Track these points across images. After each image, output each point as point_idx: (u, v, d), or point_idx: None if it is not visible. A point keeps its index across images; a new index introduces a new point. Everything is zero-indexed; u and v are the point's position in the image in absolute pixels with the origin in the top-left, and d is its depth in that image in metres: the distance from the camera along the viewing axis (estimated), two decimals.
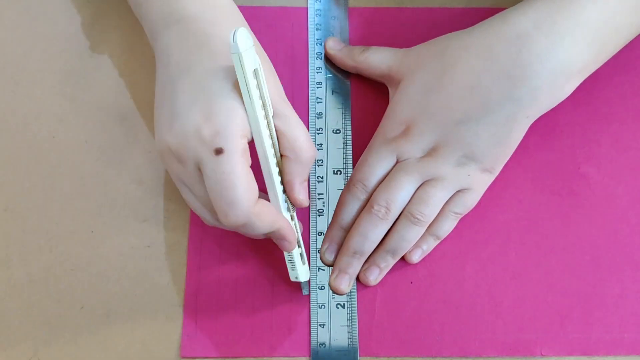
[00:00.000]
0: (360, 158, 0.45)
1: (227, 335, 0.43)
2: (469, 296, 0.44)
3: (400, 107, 0.45)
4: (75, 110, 0.49)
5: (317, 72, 0.49)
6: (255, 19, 0.51)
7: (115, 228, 0.46)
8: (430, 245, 0.45)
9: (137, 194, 0.47)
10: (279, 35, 0.50)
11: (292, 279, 0.42)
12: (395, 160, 0.44)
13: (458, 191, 0.44)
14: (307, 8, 0.51)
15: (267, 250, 0.45)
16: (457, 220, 0.45)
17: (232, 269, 0.45)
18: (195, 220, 0.46)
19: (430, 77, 0.44)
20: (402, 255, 0.44)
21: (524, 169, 0.47)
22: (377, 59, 0.47)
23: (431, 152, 0.43)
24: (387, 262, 0.44)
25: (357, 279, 0.44)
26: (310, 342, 0.43)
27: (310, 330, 0.43)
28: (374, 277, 0.44)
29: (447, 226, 0.44)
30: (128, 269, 0.45)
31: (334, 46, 0.49)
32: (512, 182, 0.47)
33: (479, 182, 0.44)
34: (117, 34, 0.51)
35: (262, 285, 0.44)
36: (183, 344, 0.43)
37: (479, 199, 0.45)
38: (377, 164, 0.44)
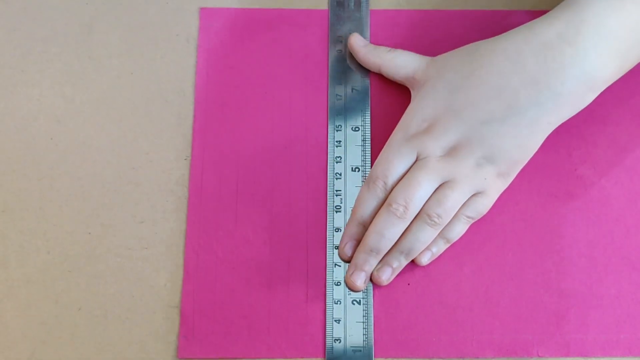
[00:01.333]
0: (380, 154, 0.45)
1: (224, 336, 0.43)
2: (466, 297, 0.44)
3: (425, 104, 0.45)
4: (74, 112, 0.49)
5: (337, 70, 0.50)
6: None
7: (113, 229, 0.46)
8: (440, 248, 0.45)
9: (135, 196, 0.47)
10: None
11: None
12: (415, 157, 0.44)
13: (473, 195, 0.44)
14: (328, 10, 0.51)
15: (264, 252, 0.45)
16: (468, 225, 0.45)
17: (229, 270, 0.45)
18: (192, 222, 0.46)
19: (457, 77, 0.44)
20: (415, 257, 0.44)
21: (521, 171, 0.47)
22: (403, 61, 0.47)
23: (451, 152, 0.44)
24: (400, 262, 0.44)
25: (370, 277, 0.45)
26: (304, 342, 0.43)
27: (303, 330, 0.44)
28: (386, 276, 0.44)
29: (458, 229, 0.44)
30: (125, 270, 0.45)
31: (359, 42, 0.49)
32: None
33: (493, 187, 0.44)
34: (116, 35, 0.51)
35: (260, 287, 0.45)
36: (180, 345, 0.43)
37: (491, 204, 0.45)
38: (397, 161, 0.44)
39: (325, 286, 0.45)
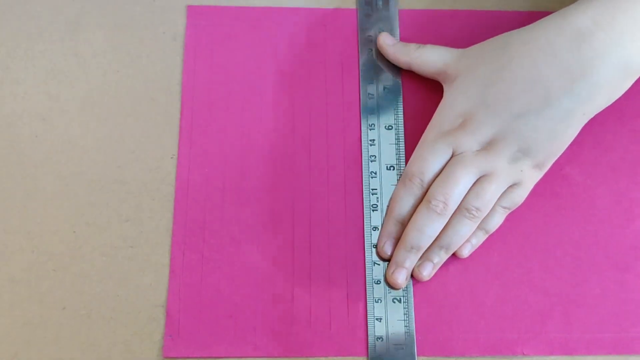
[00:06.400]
0: (415, 152, 0.45)
1: (210, 336, 0.43)
2: (452, 296, 0.44)
3: (458, 99, 0.45)
4: (59, 110, 0.49)
5: (368, 69, 0.50)
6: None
7: (98, 228, 0.46)
8: (479, 239, 0.45)
9: (120, 194, 0.46)
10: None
11: None
12: (450, 154, 0.44)
13: (509, 186, 0.44)
14: (356, 10, 0.51)
15: (251, 250, 0.45)
16: (505, 215, 0.45)
17: (215, 269, 0.45)
18: (178, 220, 0.46)
19: (490, 71, 0.44)
20: (454, 250, 0.44)
21: None
22: (433, 56, 0.48)
23: (487, 146, 0.44)
24: (441, 257, 0.44)
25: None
26: (290, 341, 0.43)
27: (289, 329, 0.44)
28: (427, 272, 0.44)
29: (496, 220, 0.45)
30: (110, 269, 0.45)
31: (388, 41, 0.49)
32: None
33: (529, 178, 0.44)
34: (102, 32, 0.51)
35: (245, 286, 0.44)
36: (165, 344, 0.43)
37: (526, 195, 0.45)
38: (433, 158, 0.44)
39: (311, 285, 0.45)
